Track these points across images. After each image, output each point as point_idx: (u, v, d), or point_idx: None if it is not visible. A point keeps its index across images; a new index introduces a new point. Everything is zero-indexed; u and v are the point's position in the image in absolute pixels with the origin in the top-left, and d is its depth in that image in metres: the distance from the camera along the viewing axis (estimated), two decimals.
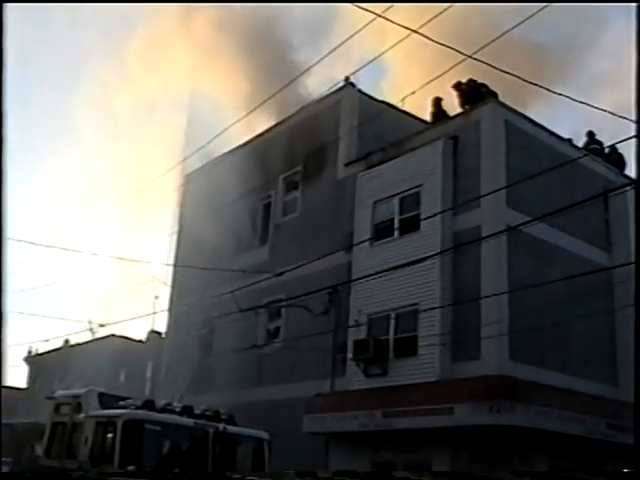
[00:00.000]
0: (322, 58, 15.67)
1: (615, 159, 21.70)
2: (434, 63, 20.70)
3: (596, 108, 12.52)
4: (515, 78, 11.82)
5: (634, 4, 4.43)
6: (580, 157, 18.31)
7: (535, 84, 12.52)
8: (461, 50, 11.21)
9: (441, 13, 11.80)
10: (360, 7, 10.65)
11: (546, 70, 30.10)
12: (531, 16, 11.64)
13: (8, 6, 4.51)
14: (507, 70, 11.60)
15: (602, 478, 5.53)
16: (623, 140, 10.53)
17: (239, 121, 19.42)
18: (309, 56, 25.93)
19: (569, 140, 20.85)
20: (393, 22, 11.03)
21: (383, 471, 14.63)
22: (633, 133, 9.69)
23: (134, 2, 24.33)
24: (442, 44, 11.14)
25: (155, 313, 32.17)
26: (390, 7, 11.14)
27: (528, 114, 19.87)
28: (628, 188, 18.40)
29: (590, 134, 22.57)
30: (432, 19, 11.70)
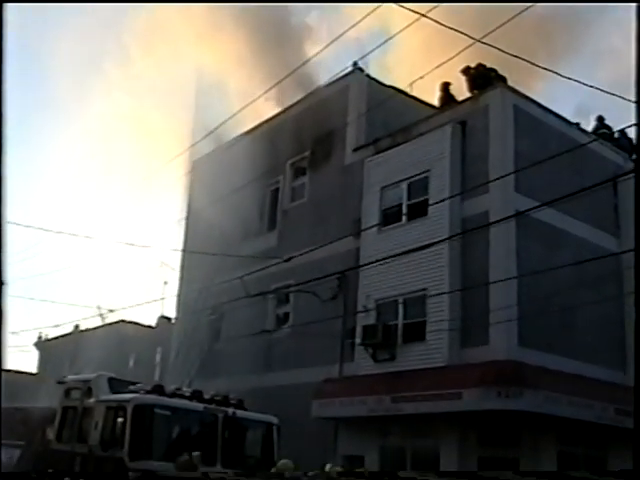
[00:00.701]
0: (329, 44, 15.63)
1: (625, 144, 21.57)
2: (441, 45, 20.61)
3: (602, 91, 12.41)
4: (522, 53, 11.73)
5: (634, 4, 4.38)
6: (589, 142, 18.21)
7: (542, 67, 12.47)
8: (467, 30, 11.15)
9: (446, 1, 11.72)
10: None
11: (554, 40, 29.84)
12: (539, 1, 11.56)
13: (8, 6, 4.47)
14: (514, 49, 11.55)
15: (611, 477, 5.52)
16: (632, 125, 10.47)
17: (246, 107, 19.35)
18: (316, 25, 25.92)
19: (577, 124, 20.74)
20: (403, 7, 10.97)
21: (387, 471, 14.68)
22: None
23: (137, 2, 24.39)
24: (450, 27, 11.08)
25: (164, 299, 32.30)
26: None
27: (534, 89, 19.79)
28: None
29: (599, 119, 22.45)
30: (440, 2, 11.62)
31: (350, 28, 13.90)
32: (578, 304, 17.15)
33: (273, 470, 12.09)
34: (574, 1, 23.52)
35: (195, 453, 12.62)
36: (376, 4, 11.32)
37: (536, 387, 15.68)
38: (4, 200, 3.61)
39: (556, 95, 45.78)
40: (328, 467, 12.15)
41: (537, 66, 12.39)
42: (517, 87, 19.23)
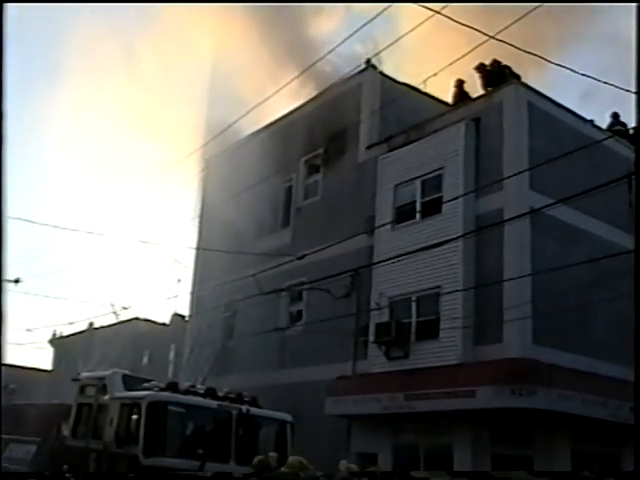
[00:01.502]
0: (342, 42, 15.69)
1: None
2: (453, 41, 20.57)
3: (608, 84, 12.33)
4: (531, 38, 11.69)
5: (634, 4, 4.39)
6: (604, 139, 18.13)
7: (557, 64, 12.41)
8: (474, 24, 11.13)
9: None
10: None
11: (563, 24, 29.59)
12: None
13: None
14: (523, 34, 11.54)
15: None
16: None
17: (261, 104, 19.38)
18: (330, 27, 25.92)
19: (592, 121, 20.63)
20: (425, 6, 10.96)
21: (399, 471, 14.70)
22: None
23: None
24: (462, 24, 11.07)
25: (177, 296, 32.49)
26: None
27: (541, 75, 19.69)
28: None
29: (614, 115, 22.33)
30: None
31: (362, 27, 13.88)
32: (592, 301, 17.11)
33: (284, 468, 12.14)
34: (577, 0, 23.41)
35: (272, 454, 12.72)
36: (388, 4, 11.32)
37: (550, 385, 15.64)
38: (4, 203, 3.66)
39: (564, 79, 45.36)
40: (343, 464, 12.18)
41: (548, 61, 12.36)
42: (523, 75, 19.17)
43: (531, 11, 11.41)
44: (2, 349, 4.38)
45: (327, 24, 25.51)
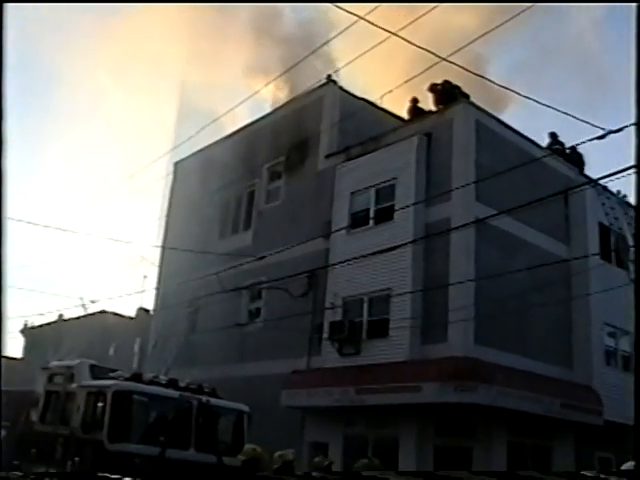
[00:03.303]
0: (302, 60, 15.86)
1: (575, 159, 21.88)
2: (412, 62, 20.79)
3: (559, 111, 12.59)
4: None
5: (634, 4, 4.41)
6: (544, 156, 18.46)
7: (504, 87, 12.60)
8: (438, 50, 11.27)
9: (424, 14, 11.84)
10: (341, 8, 10.63)
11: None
12: (508, 20, 11.76)
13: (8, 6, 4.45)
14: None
15: (555, 477, 5.61)
16: (583, 142, 10.68)
17: (229, 112, 19.38)
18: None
19: (533, 141, 20.95)
20: (374, 25, 11.03)
21: (351, 472, 14.72)
22: (593, 132, 9.81)
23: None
24: (419, 47, 11.17)
25: (144, 291, 32.14)
26: (375, 7, 11.15)
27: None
28: (587, 187, 18.62)
29: (553, 135, 22.71)
30: (413, 22, 11.75)
31: (322, 46, 14.03)
32: (530, 306, 17.38)
33: (240, 456, 12.09)
34: (575, 2, 23.72)
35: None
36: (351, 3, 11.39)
37: (490, 382, 15.86)
38: (4, 202, 3.61)
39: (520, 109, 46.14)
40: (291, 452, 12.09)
41: (501, 86, 12.55)
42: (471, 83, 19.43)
43: (487, 32, 11.58)
44: (2, 341, 4.28)
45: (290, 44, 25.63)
